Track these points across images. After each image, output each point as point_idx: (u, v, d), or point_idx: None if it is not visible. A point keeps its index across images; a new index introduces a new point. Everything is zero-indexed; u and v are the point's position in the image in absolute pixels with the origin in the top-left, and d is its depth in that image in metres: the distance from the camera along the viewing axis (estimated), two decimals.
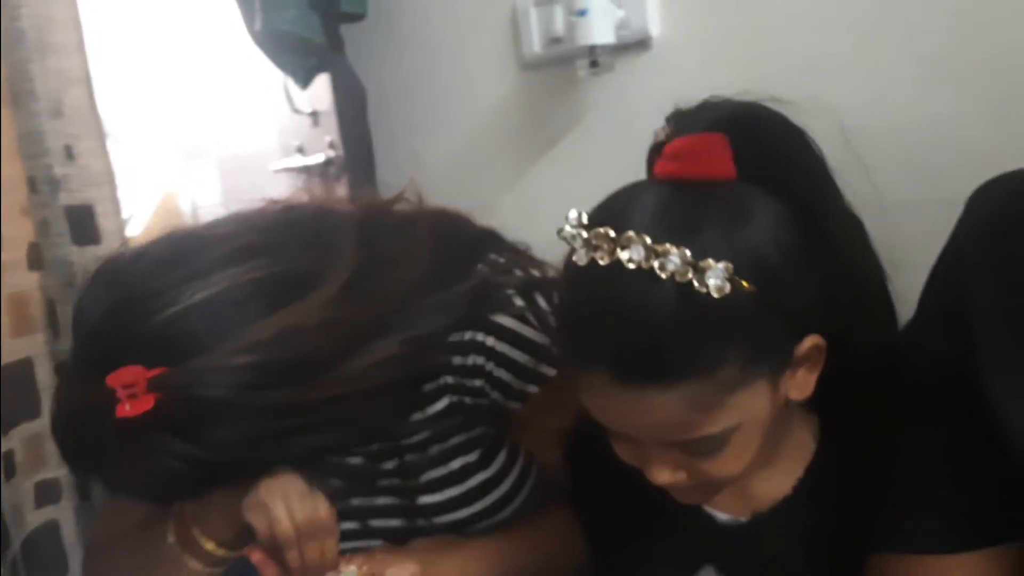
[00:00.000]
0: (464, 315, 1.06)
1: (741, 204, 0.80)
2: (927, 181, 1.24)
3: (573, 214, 0.81)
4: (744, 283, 0.75)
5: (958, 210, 0.87)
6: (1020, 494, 0.78)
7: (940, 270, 0.87)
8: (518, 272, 1.10)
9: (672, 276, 0.74)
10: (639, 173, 1.53)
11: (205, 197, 2.07)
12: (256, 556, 1.02)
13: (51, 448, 1.53)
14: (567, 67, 1.55)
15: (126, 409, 0.91)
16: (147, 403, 0.91)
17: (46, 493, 1.56)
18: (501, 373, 1.06)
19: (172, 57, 1.98)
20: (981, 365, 0.79)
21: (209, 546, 1.05)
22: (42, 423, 1.55)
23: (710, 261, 0.74)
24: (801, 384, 0.84)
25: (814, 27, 1.34)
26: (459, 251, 1.11)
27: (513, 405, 1.08)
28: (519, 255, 1.13)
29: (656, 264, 0.75)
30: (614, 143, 1.51)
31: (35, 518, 1.55)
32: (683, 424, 0.78)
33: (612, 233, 0.77)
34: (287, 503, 0.99)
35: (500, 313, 1.06)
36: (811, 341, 0.82)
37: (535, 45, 1.63)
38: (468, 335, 1.06)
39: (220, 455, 0.95)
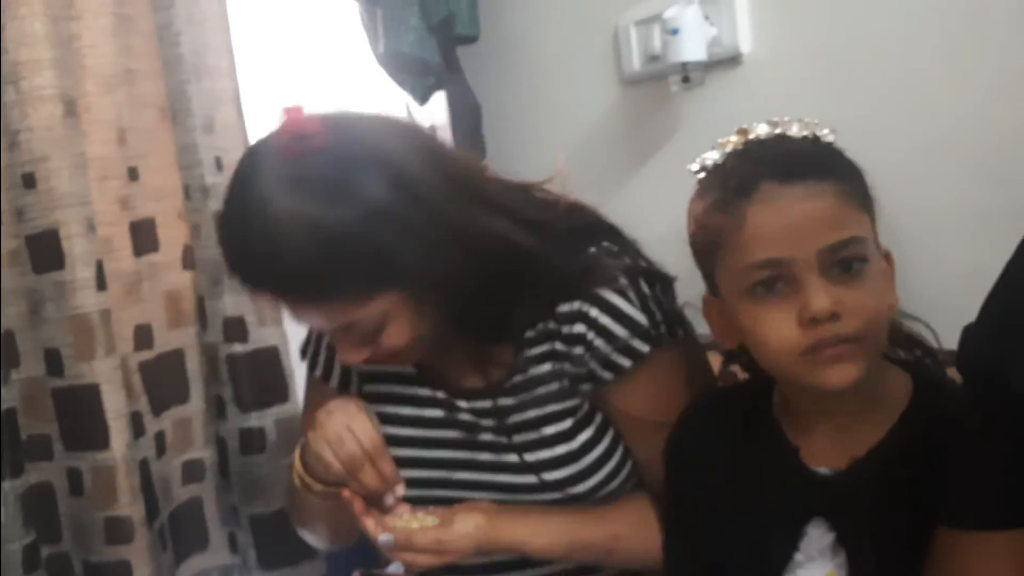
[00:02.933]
0: (573, 287, 1.15)
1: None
2: (1005, 192, 1.25)
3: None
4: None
5: None
6: None
7: (1002, 279, 0.91)
8: (626, 259, 1.17)
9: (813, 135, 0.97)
10: None
11: None
12: (346, 493, 1.14)
13: (197, 430, 1.66)
14: (662, 83, 1.58)
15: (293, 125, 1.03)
16: (312, 124, 1.03)
17: (191, 472, 1.67)
18: (600, 343, 1.13)
19: (309, 79, 2.06)
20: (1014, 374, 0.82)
21: (317, 486, 1.17)
22: (190, 408, 1.66)
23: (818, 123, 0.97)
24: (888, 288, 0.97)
25: (901, 45, 1.33)
26: (581, 232, 1.19)
27: (606, 376, 1.15)
28: (630, 247, 1.20)
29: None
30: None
31: (181, 494, 1.65)
32: (837, 216, 0.91)
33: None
34: (330, 447, 1.12)
35: (606, 288, 1.14)
36: (885, 248, 0.97)
37: (635, 63, 1.66)
38: (576, 305, 1.14)
39: (337, 228, 1.01)
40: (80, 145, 1.45)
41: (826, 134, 0.97)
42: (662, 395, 1.16)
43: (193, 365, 1.68)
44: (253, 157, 1.08)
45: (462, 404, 1.22)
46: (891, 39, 1.36)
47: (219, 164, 1.62)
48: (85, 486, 1.45)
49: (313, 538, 1.36)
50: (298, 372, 1.65)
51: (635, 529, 1.17)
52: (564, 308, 1.15)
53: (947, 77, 1.29)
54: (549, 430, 1.17)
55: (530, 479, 1.17)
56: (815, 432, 1.01)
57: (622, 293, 1.14)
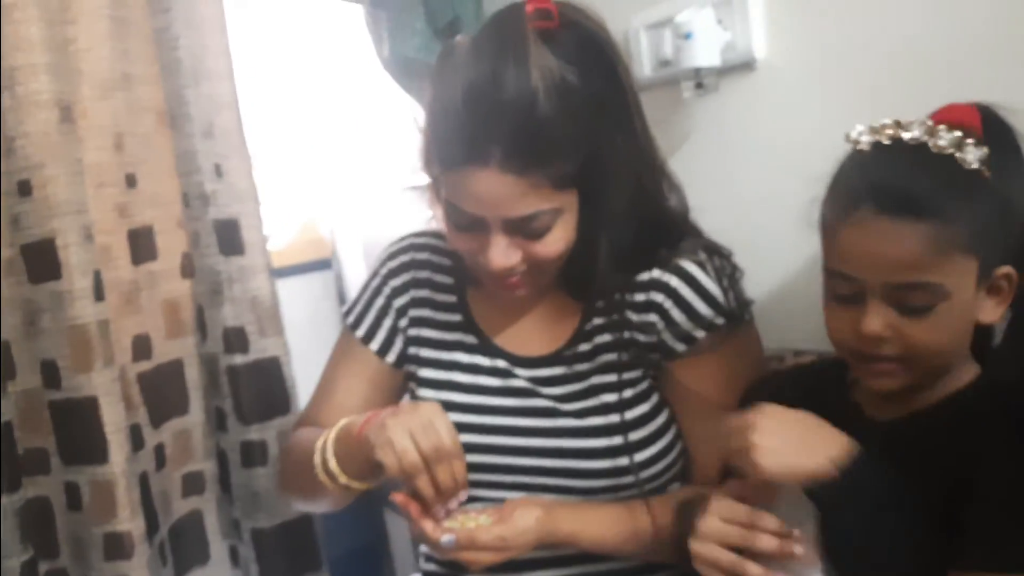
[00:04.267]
0: (654, 257, 1.20)
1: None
2: None
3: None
4: (987, 172, 0.94)
5: None
6: None
7: None
8: (705, 240, 1.24)
9: (944, 148, 0.95)
10: (742, 191, 1.56)
11: (344, 215, 2.14)
12: (400, 498, 1.13)
13: (197, 443, 1.64)
14: (674, 88, 1.55)
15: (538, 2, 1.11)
16: (553, 7, 1.11)
17: (192, 484, 1.65)
18: (675, 313, 1.18)
19: (311, 83, 2.05)
20: None
21: (343, 479, 1.17)
22: (190, 420, 1.64)
23: (971, 143, 0.94)
24: (990, 307, 0.99)
25: (918, 50, 1.31)
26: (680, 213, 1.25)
27: (679, 347, 1.19)
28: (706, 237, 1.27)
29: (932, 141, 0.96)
30: (719, 161, 1.54)
31: (181, 507, 1.63)
32: (917, 261, 0.93)
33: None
34: (412, 436, 1.08)
35: (685, 259, 1.19)
36: (1007, 268, 0.97)
37: (645, 68, 1.63)
38: (656, 273, 1.19)
39: (575, 92, 1.08)
40: (76, 151, 1.42)
41: (968, 156, 0.95)
42: (726, 375, 1.19)
43: (193, 376, 1.66)
44: (498, 24, 1.12)
45: (521, 372, 1.24)
46: (908, 46, 1.33)
47: (219, 171, 1.60)
48: (83, 501, 1.43)
49: (305, 507, 1.41)
50: (300, 384, 1.66)
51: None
52: (643, 277, 1.20)
53: (965, 85, 1.23)
54: (606, 398, 1.20)
55: (582, 444, 1.19)
56: (880, 394, 1.04)
57: (701, 266, 1.19)
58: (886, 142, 0.98)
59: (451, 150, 1.11)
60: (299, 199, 2.15)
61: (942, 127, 0.96)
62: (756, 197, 1.49)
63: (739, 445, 0.96)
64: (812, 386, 1.12)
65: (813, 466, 0.93)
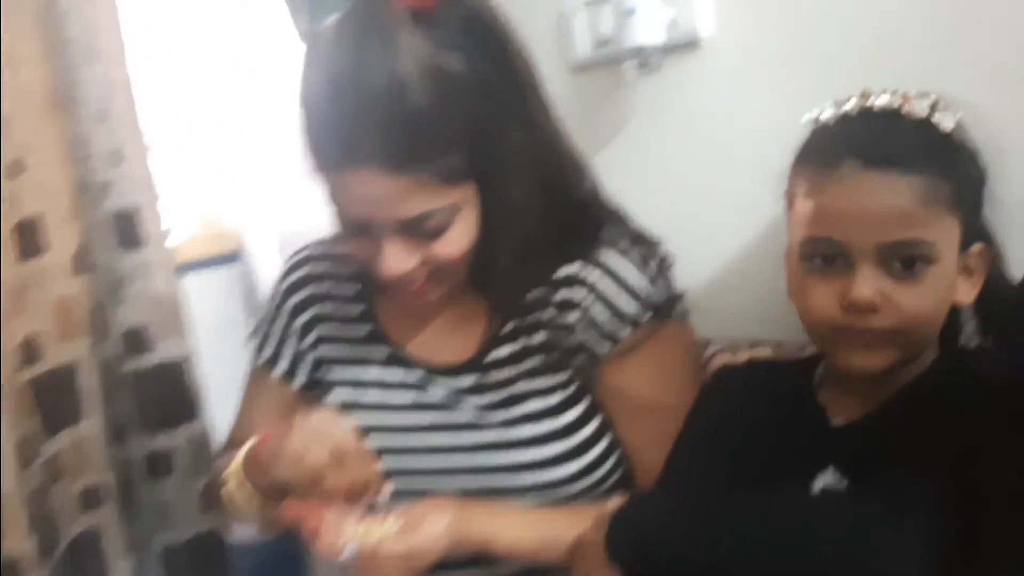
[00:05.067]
0: (574, 247, 1.14)
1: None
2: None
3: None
4: (963, 136, 0.96)
5: None
6: None
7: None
8: (631, 227, 1.19)
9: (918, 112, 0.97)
10: (687, 174, 1.51)
11: (252, 204, 2.08)
12: (291, 511, 1.04)
13: (95, 453, 1.54)
14: (615, 69, 1.50)
15: None
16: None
17: (89, 499, 1.55)
18: (598, 310, 1.12)
19: (213, 68, 1.97)
20: None
21: (256, 502, 1.13)
22: (87, 429, 1.53)
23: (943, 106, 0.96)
24: (967, 287, 0.99)
25: (867, 29, 1.29)
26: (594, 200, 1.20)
27: (604, 347, 1.13)
28: (632, 223, 1.21)
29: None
30: (662, 145, 1.50)
31: (78, 523, 1.53)
32: (910, 216, 0.91)
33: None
34: (310, 442, 1.02)
35: (608, 250, 1.13)
36: (980, 246, 0.98)
37: (584, 47, 1.57)
38: (576, 268, 1.13)
39: (456, 78, 1.02)
40: None
41: (944, 120, 0.96)
42: (659, 372, 1.14)
43: (88, 382, 1.54)
44: (362, 5, 1.05)
45: (439, 382, 1.18)
46: (857, 24, 1.30)
47: (115, 158, 1.51)
48: None
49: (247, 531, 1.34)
50: (207, 387, 1.61)
51: None
52: (563, 271, 1.14)
53: (930, 69, 1.22)
54: (535, 405, 1.13)
55: (510, 458, 1.13)
56: (844, 389, 1.03)
57: (625, 255, 1.14)
58: (853, 113, 0.98)
59: (323, 150, 1.04)
60: (201, 188, 2.06)
61: (913, 95, 0.97)
62: (702, 182, 1.45)
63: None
64: (772, 390, 1.09)
65: None
